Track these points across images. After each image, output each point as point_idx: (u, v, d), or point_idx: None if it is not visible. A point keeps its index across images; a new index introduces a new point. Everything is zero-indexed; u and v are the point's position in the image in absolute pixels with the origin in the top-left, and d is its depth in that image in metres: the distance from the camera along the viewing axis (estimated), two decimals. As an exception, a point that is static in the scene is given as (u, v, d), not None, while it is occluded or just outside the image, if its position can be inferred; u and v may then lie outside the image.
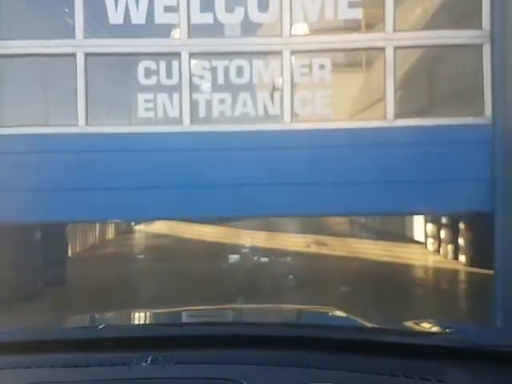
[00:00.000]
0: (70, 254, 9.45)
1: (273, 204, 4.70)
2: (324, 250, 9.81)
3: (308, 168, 4.69)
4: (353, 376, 1.05)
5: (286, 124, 4.75)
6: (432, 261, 9.19)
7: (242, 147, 4.66)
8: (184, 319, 1.78)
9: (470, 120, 4.70)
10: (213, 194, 4.70)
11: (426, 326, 1.50)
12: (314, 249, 9.99)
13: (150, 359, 1.10)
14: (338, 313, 1.79)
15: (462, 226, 8.52)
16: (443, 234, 9.24)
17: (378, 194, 4.64)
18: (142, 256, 10.45)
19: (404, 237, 10.94)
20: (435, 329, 1.46)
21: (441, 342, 1.25)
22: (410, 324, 1.49)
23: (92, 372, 1.08)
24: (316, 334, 1.30)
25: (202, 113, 4.81)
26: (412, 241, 10.57)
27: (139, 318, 1.85)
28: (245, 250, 10.23)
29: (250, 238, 11.67)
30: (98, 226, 11.28)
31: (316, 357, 1.13)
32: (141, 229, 13.88)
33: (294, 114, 4.78)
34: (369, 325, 1.59)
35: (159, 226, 14.33)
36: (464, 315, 5.65)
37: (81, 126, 4.78)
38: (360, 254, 9.48)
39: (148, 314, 1.91)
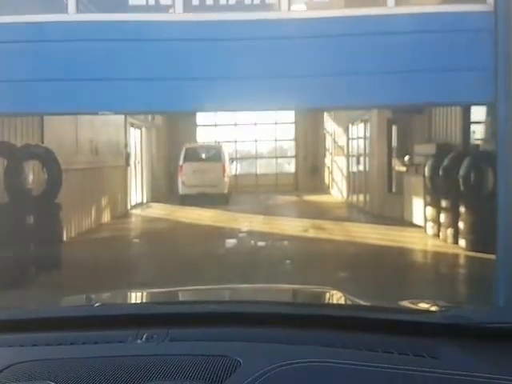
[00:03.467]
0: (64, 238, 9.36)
1: (268, 98, 4.50)
2: (321, 235, 9.68)
3: (306, 58, 4.46)
4: (346, 352, 1.05)
5: (284, 12, 4.50)
6: (431, 245, 9.06)
7: (236, 37, 4.43)
8: (179, 298, 1.80)
9: (471, 7, 4.48)
10: (206, 87, 4.46)
11: (421, 305, 1.52)
12: (311, 233, 9.86)
13: (144, 336, 1.10)
14: (334, 292, 1.79)
15: (462, 209, 8.37)
16: (443, 217, 9.07)
17: (375, 84, 4.43)
18: (137, 240, 10.33)
19: (403, 220, 10.82)
20: (431, 307, 1.46)
21: (436, 319, 1.25)
22: (405, 303, 1.49)
23: (87, 349, 1.09)
24: (310, 311, 1.31)
25: (195, 0, 4.58)
26: (411, 224, 10.43)
27: (135, 297, 1.87)
28: (241, 235, 10.11)
29: (247, 222, 11.55)
30: (93, 209, 11.13)
31: (310, 334, 1.13)
32: (137, 213, 13.76)
33: (290, 2, 4.53)
34: (363, 303, 1.60)
35: (156, 210, 14.24)
36: (464, 302, 5.53)
37: (71, 14, 4.54)
38: (357, 238, 9.37)
39: (143, 293, 1.95)
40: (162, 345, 1.08)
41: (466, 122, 9.44)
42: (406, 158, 11.04)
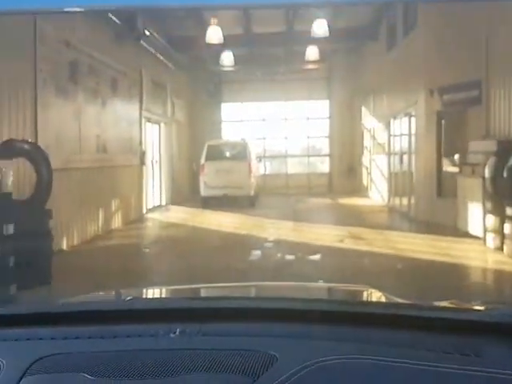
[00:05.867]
0: (64, 246, 8.25)
1: None
2: (360, 246, 8.22)
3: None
4: (386, 350, 1.00)
5: None
6: (494, 261, 7.57)
7: None
8: (211, 294, 1.80)
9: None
10: None
11: (465, 304, 1.44)
12: (348, 244, 8.40)
13: (178, 331, 1.07)
14: (372, 290, 1.72)
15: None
16: (508, 227, 7.63)
17: None
18: (147, 250, 9.09)
19: (455, 229, 9.27)
20: (475, 306, 1.38)
21: (481, 317, 1.21)
22: (445, 303, 1.38)
23: (119, 343, 1.06)
24: (348, 308, 1.28)
25: None
26: (466, 235, 8.89)
27: (164, 292, 1.86)
28: (268, 245, 8.76)
29: (275, 229, 10.19)
30: (100, 213, 9.97)
31: (349, 331, 1.09)
32: (153, 217, 12.58)
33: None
34: (402, 301, 1.54)
35: (174, 214, 13.03)
36: None
37: None
38: (403, 250, 7.89)
39: (174, 289, 1.96)
40: (195, 339, 1.05)
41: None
42: (457, 156, 9.65)
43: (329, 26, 12.33)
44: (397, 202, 12.42)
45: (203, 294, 1.76)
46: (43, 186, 6.62)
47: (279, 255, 8.05)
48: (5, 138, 6.50)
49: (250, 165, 13.84)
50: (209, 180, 13.57)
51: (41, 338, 1.09)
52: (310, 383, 0.90)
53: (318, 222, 10.87)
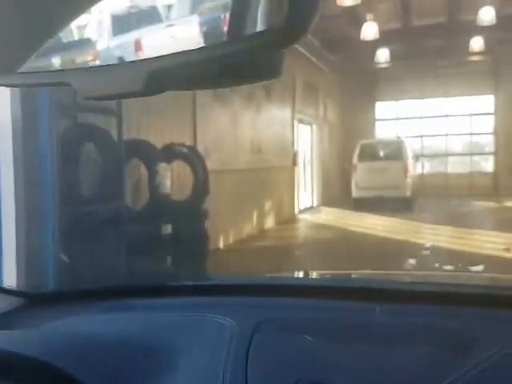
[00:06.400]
0: (221, 245, 8.56)
1: None
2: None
3: None
4: None
5: None
6: None
7: None
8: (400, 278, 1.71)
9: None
10: None
11: None
12: (517, 254, 7.47)
13: (379, 309, 1.06)
14: None
15: None
16: None
17: None
18: (299, 252, 9.04)
19: None
20: None
21: None
22: None
23: (322, 315, 1.09)
24: None
25: None
26: None
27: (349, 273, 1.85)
28: (424, 253, 8.16)
29: (433, 235, 9.48)
30: (254, 214, 10.18)
31: None
32: (305, 218, 12.54)
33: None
34: None
35: (325, 216, 12.86)
36: None
37: None
38: None
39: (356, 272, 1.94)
40: (397, 317, 1.06)
41: None
42: None
43: (496, 14, 11.17)
44: None
45: (391, 277, 1.75)
46: (200, 188, 6.89)
47: (436, 265, 7.44)
48: (165, 142, 6.87)
49: (406, 164, 13.10)
50: (361, 180, 13.14)
51: (261, 306, 1.15)
52: None
53: (480, 228, 9.88)
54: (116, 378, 1.00)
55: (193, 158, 6.97)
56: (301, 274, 1.78)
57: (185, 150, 7.00)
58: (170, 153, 6.71)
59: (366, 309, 1.08)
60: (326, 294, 1.17)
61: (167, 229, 6.21)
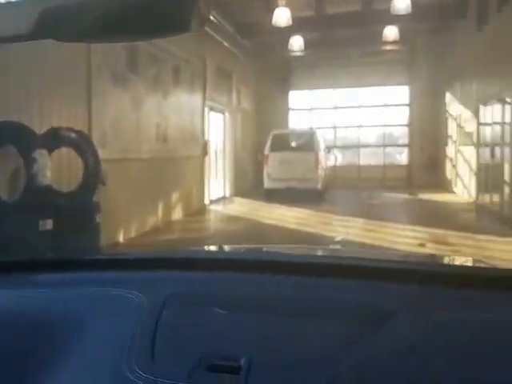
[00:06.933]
0: (120, 239, 7.79)
1: None
2: (446, 253, 7.07)
3: None
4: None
5: None
6: None
7: None
8: (322, 253, 1.82)
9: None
10: None
11: None
12: (430, 249, 7.25)
13: (296, 282, 1.08)
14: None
15: None
16: None
17: None
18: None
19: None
20: None
21: None
22: None
23: (243, 288, 1.10)
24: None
25: None
26: None
27: (275, 249, 1.88)
28: (334, 246, 7.80)
29: (343, 227, 9.20)
30: (159, 205, 9.45)
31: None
32: (215, 209, 11.95)
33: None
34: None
35: (237, 207, 12.34)
36: None
37: None
38: (502, 261, 6.66)
39: (282, 247, 2.12)
40: (313, 290, 1.07)
41: None
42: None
43: (412, 2, 11.07)
44: (487, 198, 11.01)
45: (314, 252, 1.79)
46: (90, 178, 6.09)
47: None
48: (50, 126, 6.00)
49: (317, 155, 12.83)
50: (273, 171, 12.73)
51: (170, 280, 1.15)
52: (432, 340, 0.88)
53: (393, 221, 9.73)
54: (19, 353, 0.94)
55: (82, 144, 6.13)
56: (209, 248, 1.80)
57: (73, 135, 6.11)
58: (53, 139, 5.82)
59: (273, 281, 1.08)
60: (234, 267, 1.15)
61: (46, 224, 5.34)
